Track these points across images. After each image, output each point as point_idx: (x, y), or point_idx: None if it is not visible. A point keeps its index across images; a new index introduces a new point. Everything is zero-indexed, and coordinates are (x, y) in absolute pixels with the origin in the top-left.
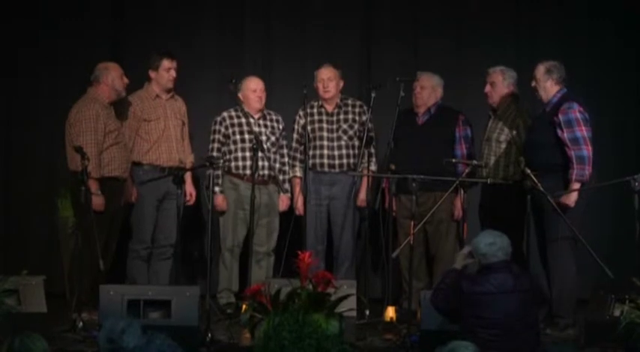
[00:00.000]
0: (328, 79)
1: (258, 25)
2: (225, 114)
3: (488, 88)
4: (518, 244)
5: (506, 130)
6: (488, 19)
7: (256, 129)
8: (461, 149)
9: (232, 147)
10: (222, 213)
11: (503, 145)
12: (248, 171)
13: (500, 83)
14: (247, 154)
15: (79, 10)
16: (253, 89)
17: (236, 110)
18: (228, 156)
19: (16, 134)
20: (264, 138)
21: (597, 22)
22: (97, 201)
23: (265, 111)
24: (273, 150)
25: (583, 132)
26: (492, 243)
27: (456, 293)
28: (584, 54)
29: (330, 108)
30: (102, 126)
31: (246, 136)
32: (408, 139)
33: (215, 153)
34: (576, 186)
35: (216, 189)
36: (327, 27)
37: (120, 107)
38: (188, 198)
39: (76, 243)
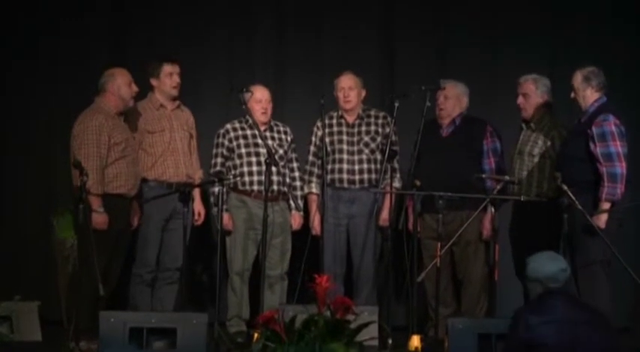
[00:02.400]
0: (349, 88)
1: (270, 29)
2: (228, 126)
3: (520, 100)
4: None
5: (540, 143)
6: (520, 23)
7: (262, 141)
8: (489, 163)
9: (237, 161)
10: (229, 233)
11: (537, 159)
12: (256, 187)
13: (534, 93)
14: (254, 169)
15: (78, 13)
16: (258, 99)
17: (240, 121)
18: (234, 172)
19: (9, 148)
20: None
21: (636, 29)
22: (99, 219)
23: (272, 122)
24: (282, 163)
25: (617, 147)
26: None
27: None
28: (621, 63)
29: (350, 119)
30: (105, 138)
31: (252, 149)
32: (431, 153)
33: (219, 169)
34: (606, 205)
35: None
36: (345, 31)
37: (130, 118)
38: (196, 217)
39: (73, 266)
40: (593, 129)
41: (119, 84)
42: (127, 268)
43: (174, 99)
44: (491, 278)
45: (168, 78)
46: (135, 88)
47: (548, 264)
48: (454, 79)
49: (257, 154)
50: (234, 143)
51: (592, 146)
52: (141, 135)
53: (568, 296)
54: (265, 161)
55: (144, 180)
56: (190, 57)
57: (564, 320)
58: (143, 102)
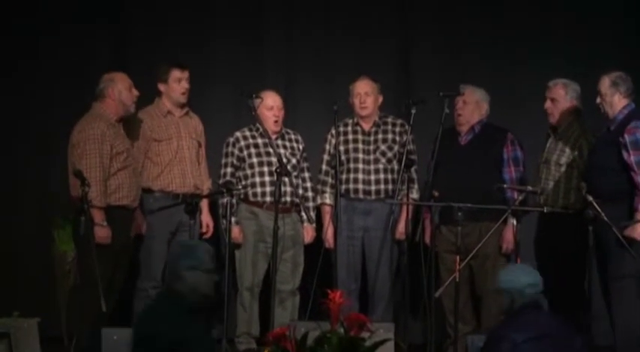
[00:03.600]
0: (366, 94)
1: (280, 32)
2: (238, 134)
3: (548, 104)
4: (580, 282)
5: (567, 152)
6: (543, 27)
7: (272, 150)
8: (509, 172)
9: (248, 171)
10: (238, 246)
11: (564, 169)
12: (268, 198)
13: (563, 98)
14: (266, 179)
15: (80, 15)
16: (269, 106)
17: (250, 129)
18: (244, 182)
19: (5, 156)
20: (284, 160)
21: None
22: (102, 233)
23: (283, 130)
24: (294, 173)
25: None
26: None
27: None
28: None
29: (366, 126)
30: (108, 147)
31: (264, 159)
32: (449, 162)
33: (228, 179)
34: None
35: (232, 219)
36: (358, 34)
37: (130, 125)
38: (204, 229)
39: (74, 281)
40: (626, 137)
41: (119, 89)
42: (131, 282)
43: (182, 105)
44: None
45: (177, 83)
46: (136, 93)
47: (520, 277)
48: (473, 84)
49: (269, 164)
50: (245, 152)
51: (625, 154)
52: (147, 143)
53: (543, 310)
54: (276, 170)
55: (149, 191)
56: (198, 61)
57: (544, 335)
58: (149, 109)
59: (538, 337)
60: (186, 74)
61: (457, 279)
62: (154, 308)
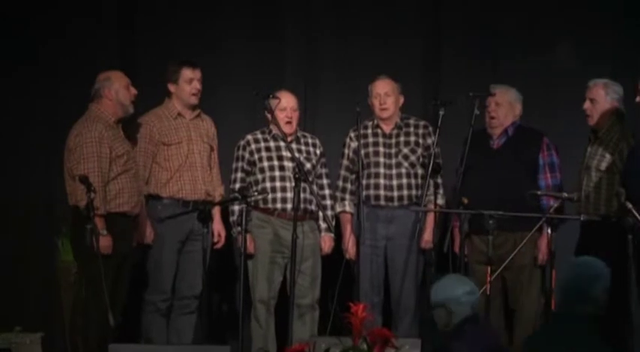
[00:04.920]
0: (385, 94)
1: (298, 29)
2: (249, 137)
3: (587, 105)
4: (619, 293)
5: (607, 156)
6: (581, 24)
7: (287, 154)
8: (545, 179)
9: (259, 176)
10: (251, 256)
11: (605, 174)
12: (279, 205)
13: (602, 99)
14: (278, 184)
15: (82, 15)
16: (282, 107)
17: (263, 132)
18: (256, 188)
19: (6, 162)
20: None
21: None
22: (104, 243)
23: (299, 133)
24: (309, 179)
25: None
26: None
27: None
28: None
29: (387, 128)
30: (107, 150)
31: (276, 163)
32: (480, 167)
33: (239, 185)
34: None
35: (239, 228)
36: (383, 32)
37: (129, 126)
38: (216, 238)
39: (79, 293)
40: None
41: (116, 88)
42: (139, 296)
43: (193, 107)
44: (547, 307)
45: (188, 84)
46: (134, 91)
47: (454, 286)
48: (505, 84)
49: (280, 168)
50: (256, 156)
51: None
52: (155, 147)
53: (482, 322)
54: (294, 176)
55: (157, 198)
56: (211, 60)
57: (491, 349)
58: (158, 110)
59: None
60: (197, 74)
61: (488, 292)
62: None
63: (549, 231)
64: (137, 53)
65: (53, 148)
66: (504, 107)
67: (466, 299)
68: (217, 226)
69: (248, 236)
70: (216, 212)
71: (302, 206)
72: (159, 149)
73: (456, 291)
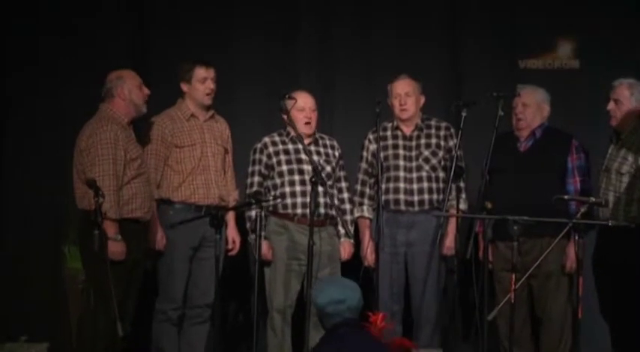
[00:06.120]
0: (406, 95)
1: (314, 28)
2: (266, 139)
3: (611, 105)
4: None
5: (630, 159)
6: (606, 25)
7: (305, 156)
8: (574, 183)
9: (278, 180)
10: (268, 263)
11: (626, 178)
12: (299, 210)
13: (627, 100)
14: (297, 189)
15: (92, 13)
16: (300, 107)
17: (280, 134)
18: (274, 192)
19: (12, 165)
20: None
21: None
22: (116, 249)
23: (317, 135)
24: (329, 183)
25: None
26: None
27: None
28: None
29: (407, 130)
30: (122, 152)
31: (295, 166)
32: (507, 170)
33: (256, 189)
34: None
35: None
36: (402, 31)
37: (149, 128)
38: (230, 245)
39: (87, 302)
40: None
41: (129, 87)
42: (149, 303)
43: (207, 108)
44: (574, 316)
45: (201, 83)
46: (146, 91)
47: (325, 293)
48: (530, 84)
49: (300, 172)
50: (274, 159)
51: None
52: (167, 149)
53: (361, 330)
54: (311, 179)
55: (169, 202)
56: (225, 59)
57: None
58: (170, 111)
59: None
60: (211, 73)
61: (512, 300)
62: None
63: (577, 237)
64: (149, 52)
65: (59, 152)
66: (532, 108)
67: (333, 309)
68: (231, 232)
69: (266, 242)
70: (230, 217)
71: (323, 211)
72: (171, 151)
73: (321, 300)
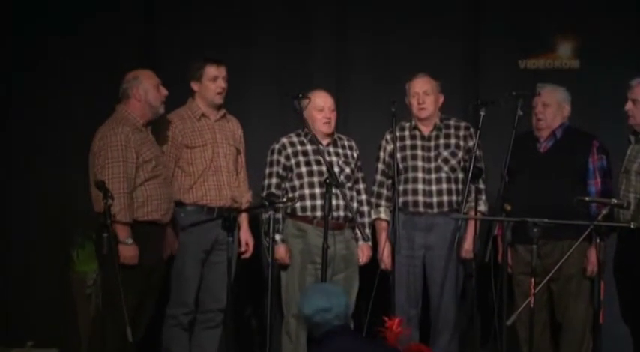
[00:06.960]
0: (424, 93)
1: (329, 25)
2: (284, 140)
3: (629, 106)
4: None
5: None
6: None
7: (326, 158)
8: (595, 184)
9: (297, 182)
10: (285, 267)
11: None
12: (319, 213)
13: None
14: (317, 191)
15: (103, 12)
16: (320, 107)
17: (298, 135)
18: (291, 194)
19: (20, 167)
20: (336, 169)
21: None
22: (128, 253)
23: (336, 136)
24: (349, 185)
25: None
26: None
27: None
28: None
29: (426, 130)
30: (133, 154)
31: (314, 168)
32: (527, 172)
33: (273, 191)
34: None
35: (277, 237)
36: (419, 29)
37: (159, 128)
38: (243, 248)
39: (96, 306)
40: None
41: (146, 88)
42: (160, 308)
43: (218, 107)
44: (595, 320)
45: (212, 82)
46: (164, 92)
47: (311, 301)
48: (550, 83)
49: (320, 174)
50: (293, 160)
51: None
52: (177, 149)
53: (355, 336)
54: (325, 181)
55: (180, 204)
56: (237, 57)
57: None
58: (181, 110)
59: None
60: (222, 71)
61: (532, 304)
62: None
63: (598, 239)
64: (159, 51)
65: (67, 154)
66: (552, 108)
67: (320, 318)
68: (244, 235)
69: (284, 246)
70: (242, 220)
71: (341, 214)
72: (182, 152)
73: (307, 310)
